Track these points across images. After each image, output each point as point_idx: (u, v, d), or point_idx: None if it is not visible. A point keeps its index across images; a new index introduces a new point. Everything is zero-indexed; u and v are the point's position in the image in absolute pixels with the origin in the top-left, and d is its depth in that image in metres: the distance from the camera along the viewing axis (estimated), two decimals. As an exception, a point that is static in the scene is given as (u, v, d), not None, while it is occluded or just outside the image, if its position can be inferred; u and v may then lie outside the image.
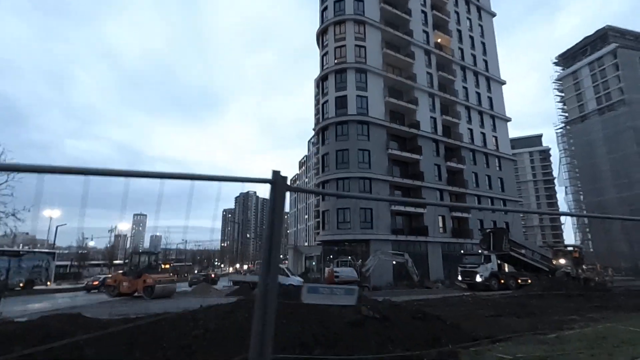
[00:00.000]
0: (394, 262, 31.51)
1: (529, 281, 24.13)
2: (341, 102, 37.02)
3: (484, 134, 46.88)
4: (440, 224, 39.08)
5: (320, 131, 38.56)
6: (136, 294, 21.65)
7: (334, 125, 36.66)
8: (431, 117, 41.91)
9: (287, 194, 2.21)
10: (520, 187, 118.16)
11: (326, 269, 29.79)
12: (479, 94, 48.11)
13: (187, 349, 7.04)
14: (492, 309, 14.36)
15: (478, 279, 24.05)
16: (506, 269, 28.32)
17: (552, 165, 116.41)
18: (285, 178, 1.96)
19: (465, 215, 40.82)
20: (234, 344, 7.36)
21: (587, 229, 72.75)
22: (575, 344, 6.57)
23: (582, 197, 74.65)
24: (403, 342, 7.60)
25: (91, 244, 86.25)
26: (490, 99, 49.49)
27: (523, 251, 25.95)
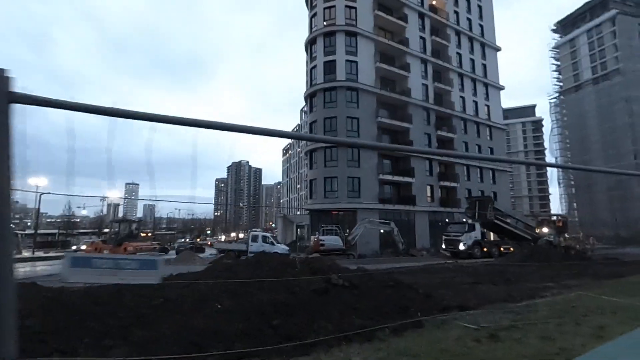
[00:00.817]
0: (382, 231, 31.64)
1: (512, 249, 24.40)
2: (330, 68, 35.64)
3: (476, 103, 46.03)
4: (429, 193, 39.07)
5: (309, 98, 37.38)
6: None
7: (322, 92, 35.50)
8: (423, 84, 40.79)
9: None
10: (511, 157, 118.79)
11: (312, 237, 29.83)
12: (473, 61, 46.77)
13: (143, 318, 6.73)
14: (471, 277, 14.37)
15: (461, 247, 24.23)
16: (491, 238, 28.63)
17: (545, 137, 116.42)
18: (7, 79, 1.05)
19: (453, 184, 40.78)
20: (191, 313, 7.07)
21: (574, 200, 73.86)
22: (544, 313, 6.36)
23: (570, 167, 75.19)
24: (369, 311, 7.36)
25: (83, 212, 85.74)
26: (484, 66, 48.20)
27: (508, 220, 26.06)
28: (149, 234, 33.93)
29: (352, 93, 35.10)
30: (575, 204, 74.10)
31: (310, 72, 37.77)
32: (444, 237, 26.64)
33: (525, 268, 17.84)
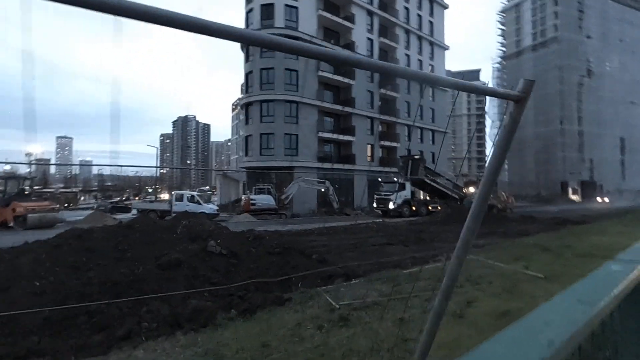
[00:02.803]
0: (321, 190, 30.99)
1: (439, 208, 25.00)
2: (267, 12, 32.44)
3: (420, 61, 45.46)
4: (369, 153, 38.85)
5: (245, 46, 34.11)
6: (11, 225, 18.61)
7: (258, 39, 32.41)
8: (368, 38, 39.01)
9: None
10: (455, 120, 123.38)
11: (243, 197, 28.45)
12: (420, 17, 45.48)
13: None
14: (387, 237, 14.04)
15: (391, 206, 24.32)
16: (421, 197, 29.19)
17: (486, 100, 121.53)
18: None
19: (394, 144, 40.86)
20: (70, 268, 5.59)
21: (505, 162, 78.95)
22: (423, 283, 5.67)
23: (505, 131, 79.42)
24: (238, 285, 6.30)
25: (7, 168, 76.00)
26: (431, 23, 47.21)
27: (438, 180, 26.50)
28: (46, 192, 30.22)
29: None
30: (506, 166, 79.47)
31: (247, 16, 34.24)
32: (375, 196, 26.62)
33: (444, 227, 18.13)
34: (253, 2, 33.15)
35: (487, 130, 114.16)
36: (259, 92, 32.19)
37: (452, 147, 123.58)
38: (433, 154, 46.49)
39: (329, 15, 34.67)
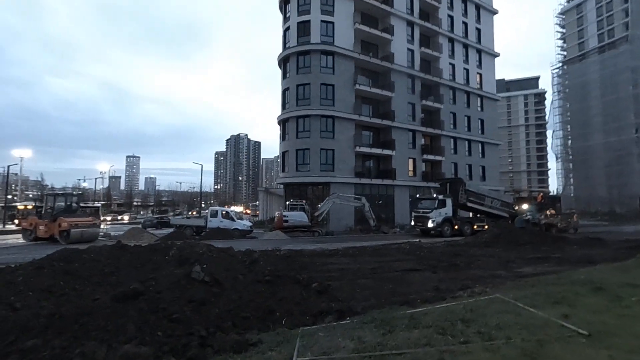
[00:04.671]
0: (357, 207, 29.80)
1: (486, 227, 22.58)
2: (304, 29, 32.62)
3: (467, 70, 42.92)
4: (410, 167, 36.93)
5: (283, 63, 34.54)
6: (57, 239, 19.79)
7: (295, 56, 32.65)
8: (408, 49, 37.66)
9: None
10: (511, 131, 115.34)
11: (276, 213, 28.09)
12: (465, 25, 43.21)
13: None
14: (416, 261, 12.56)
15: (430, 224, 22.38)
16: (470, 214, 26.75)
17: (547, 110, 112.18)
18: None
19: (438, 158, 38.54)
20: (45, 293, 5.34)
21: (571, 174, 71.52)
22: (420, 332, 4.45)
23: (570, 141, 72.37)
24: (211, 319, 5.51)
25: (84, 184, 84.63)
26: (478, 30, 44.64)
27: (483, 201, 24.12)
28: (93, 208, 32.14)
29: (327, 57, 32.25)
30: (572, 180, 71.86)
31: (284, 34, 34.77)
32: (413, 214, 24.81)
33: (488, 249, 16.06)
34: (290, 21, 33.59)
35: (549, 141, 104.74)
36: (295, 108, 32.14)
37: (509, 160, 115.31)
38: (483, 168, 43.22)
39: (366, 28, 34.04)
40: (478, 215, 24.79)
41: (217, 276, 6.80)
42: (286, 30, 34.29)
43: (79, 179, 69.91)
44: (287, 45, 33.88)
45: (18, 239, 21.51)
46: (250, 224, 27.27)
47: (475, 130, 42.93)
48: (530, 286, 6.70)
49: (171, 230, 26.08)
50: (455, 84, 41.14)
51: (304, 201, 27.42)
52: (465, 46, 43.07)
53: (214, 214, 25.36)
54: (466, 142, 41.91)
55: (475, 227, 23.09)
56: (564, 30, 77.04)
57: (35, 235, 20.04)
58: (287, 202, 27.16)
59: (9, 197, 77.48)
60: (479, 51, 44.56)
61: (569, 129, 72.46)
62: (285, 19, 34.50)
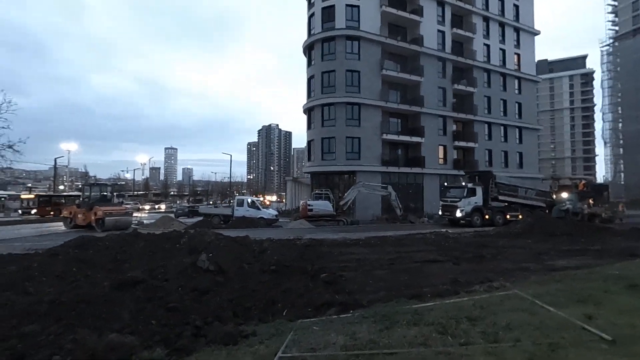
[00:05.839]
0: (384, 195, 29.17)
1: (520, 217, 21.31)
2: (328, 14, 31.88)
3: (503, 51, 40.36)
4: (441, 155, 35.55)
5: (307, 50, 34.10)
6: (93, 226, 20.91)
7: (319, 43, 32.06)
8: (439, 30, 35.89)
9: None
10: (554, 115, 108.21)
11: (300, 202, 28.07)
12: (502, 1, 40.46)
13: None
14: (439, 252, 12.01)
15: (458, 213, 21.41)
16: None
17: (595, 91, 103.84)
18: None
19: (471, 144, 36.80)
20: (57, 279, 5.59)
21: (621, 161, 66.21)
22: (419, 330, 4.12)
23: (620, 125, 66.89)
24: (211, 310, 5.44)
25: (127, 176, 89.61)
26: (516, 7, 41.69)
27: (516, 192, 22.75)
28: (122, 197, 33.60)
29: (352, 43, 31.41)
30: (622, 166, 66.57)
31: (309, 21, 34.19)
32: (441, 203, 23.88)
33: (519, 240, 15.10)
34: (314, 7, 32.94)
35: (597, 125, 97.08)
36: (320, 96, 31.71)
37: (551, 146, 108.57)
38: (520, 155, 40.87)
39: (393, 10, 32.73)
40: (511, 204, 23.44)
41: (223, 265, 6.76)
42: (311, 17, 33.71)
43: (122, 170, 74.79)
44: (311, 32, 33.34)
45: (60, 227, 22.93)
46: (276, 212, 27.48)
47: (511, 115, 40.51)
48: (555, 281, 6.09)
49: (200, 218, 26.80)
50: (490, 66, 38.86)
51: (329, 190, 27.18)
52: (502, 25, 40.43)
53: (240, 203, 25.76)
54: (502, 128, 39.69)
55: (507, 216, 21.86)
56: (615, 3, 70.46)
57: (75, 223, 21.27)
58: (313, 192, 27.01)
59: (61, 187, 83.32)
60: (517, 30, 41.69)
61: (619, 112, 66.91)
62: (310, 4, 33.87)
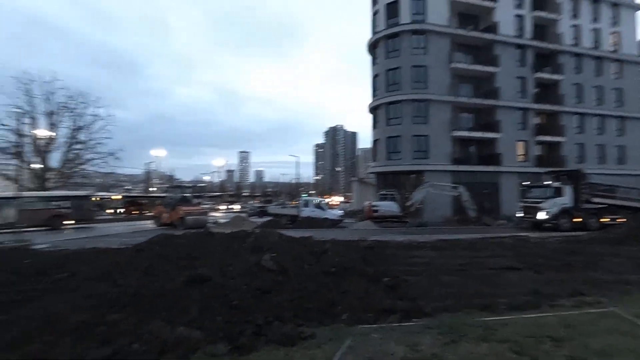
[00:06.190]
0: (455, 196, 27.54)
1: (619, 220, 18.42)
2: (392, 10, 31.07)
3: (597, 31, 35.47)
4: (520, 151, 32.42)
5: (372, 49, 33.63)
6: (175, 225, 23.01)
7: (384, 40, 31.39)
8: (516, 15, 32.81)
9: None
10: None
11: (365, 203, 27.68)
12: (594, -25, 35.62)
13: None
14: (517, 259, 10.88)
15: (540, 216, 19.17)
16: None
17: None
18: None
19: (557, 139, 32.99)
20: (141, 273, 6.41)
21: None
22: (489, 347, 3.71)
23: None
24: (270, 309, 5.56)
25: (206, 178, 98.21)
26: (612, -21, 36.36)
27: (614, 193, 19.70)
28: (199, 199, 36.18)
29: (418, 37, 30.17)
30: None
31: (373, 19, 33.69)
32: (521, 204, 21.66)
33: (617, 248, 13.00)
34: (378, 4, 32.39)
35: None
36: (385, 94, 31.03)
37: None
38: (622, 149, 35.55)
39: (463, -1, 30.77)
40: (609, 206, 20.37)
41: (285, 265, 6.88)
42: (375, 14, 33.17)
43: (202, 173, 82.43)
44: (375, 30, 32.80)
45: (150, 225, 25.66)
46: (341, 213, 27.53)
47: (609, 103, 35.40)
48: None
49: (269, 218, 27.96)
50: (581, 50, 34.42)
51: (395, 190, 26.43)
52: (595, 1, 35.56)
53: (306, 204, 26.30)
54: (596, 119, 34.89)
55: (604, 219, 19.04)
56: None
57: (161, 222, 23.64)
58: (378, 192, 26.51)
59: (152, 189, 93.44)
60: (615, 5, 36.32)
61: None
62: (374, 2, 33.36)
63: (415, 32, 30.08)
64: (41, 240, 15.10)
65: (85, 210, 24.32)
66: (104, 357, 4.08)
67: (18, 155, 27.38)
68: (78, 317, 4.97)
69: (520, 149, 32.32)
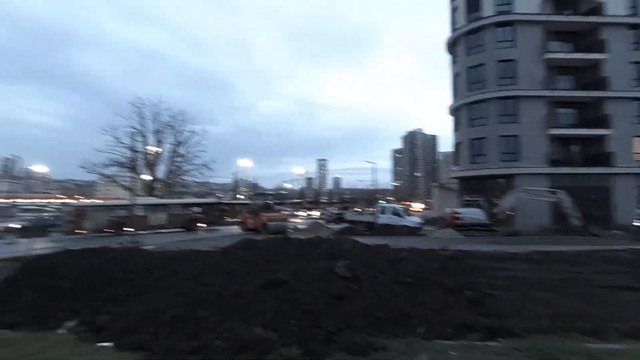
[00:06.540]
0: (553, 201, 24.44)
1: None
2: (473, 4, 29.12)
3: None
4: (639, 149, 27.49)
5: (451, 47, 31.94)
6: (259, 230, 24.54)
7: (464, 37, 29.56)
8: (630, -11, 28.18)
9: None
10: None
11: (446, 210, 26.07)
12: None
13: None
14: (634, 275, 9.22)
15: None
16: None
17: None
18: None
19: (691, 132, 27.22)
20: (226, 275, 7.15)
21: None
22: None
23: None
24: (343, 316, 5.57)
25: (287, 185, 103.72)
26: None
27: None
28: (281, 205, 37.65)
29: (504, 30, 27.75)
30: None
31: (452, 15, 32.03)
32: (638, 211, 18.25)
33: None
34: (457, 0, 30.73)
35: None
36: (467, 94, 29.10)
37: None
38: None
39: (558, -20, 27.52)
40: None
41: (357, 273, 6.85)
42: (454, 11, 31.51)
43: (283, 181, 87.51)
44: (454, 27, 31.11)
45: (237, 230, 27.76)
46: (420, 220, 26.41)
47: None
48: None
49: (346, 225, 28.07)
50: None
51: (480, 197, 24.48)
52: None
53: (383, 211, 25.83)
54: None
55: None
56: None
57: (247, 227, 25.41)
58: (461, 199, 24.84)
59: (239, 196, 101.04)
60: None
61: None
62: (452, -1, 31.78)
63: (500, 24, 27.74)
64: (166, 241, 17.40)
65: (214, 215, 27.91)
66: (191, 350, 4.53)
67: (133, 168, 32.16)
68: (173, 312, 5.60)
69: (637, 146, 27.39)
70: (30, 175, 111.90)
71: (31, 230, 24.18)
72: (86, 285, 7.33)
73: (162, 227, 25.11)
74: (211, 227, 27.19)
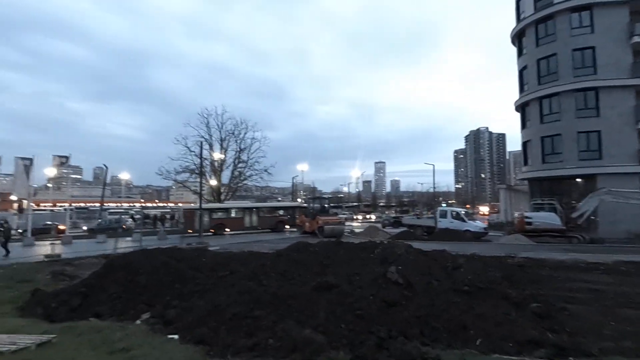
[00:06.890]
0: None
1: None
2: (544, -11, 26.81)
3: None
4: None
5: (517, 39, 29.69)
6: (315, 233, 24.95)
7: (532, 26, 27.28)
8: None
9: None
10: None
11: (515, 214, 24.10)
12: None
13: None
14: None
15: None
16: None
17: None
18: None
19: None
20: (279, 276, 7.49)
21: None
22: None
23: None
24: (397, 323, 5.48)
25: (344, 189, 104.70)
26: None
27: None
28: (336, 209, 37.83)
29: (580, 15, 25.08)
30: None
31: (517, 5, 29.75)
32: None
33: None
34: (525, -15, 28.51)
35: None
36: (536, 87, 26.79)
37: None
38: None
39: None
40: None
41: (411, 279, 6.68)
42: (519, 1, 29.28)
43: (341, 185, 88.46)
44: (521, 17, 28.87)
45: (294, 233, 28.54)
46: (485, 225, 24.81)
47: None
48: None
49: (404, 229, 27.40)
50: None
51: (554, 199, 22.29)
52: None
53: (444, 214, 24.75)
54: None
55: None
56: None
57: (304, 230, 25.97)
58: (532, 201, 22.85)
59: (298, 200, 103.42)
60: None
61: None
62: (519, -16, 29.52)
63: (575, 9, 25.15)
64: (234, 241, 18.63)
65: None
66: (248, 347, 4.79)
67: (201, 174, 34.70)
68: (233, 309, 5.97)
69: None
70: (116, 182, 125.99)
71: (96, 232, 27.68)
72: (159, 282, 8.08)
73: (255, 228, 28.61)
74: (293, 229, 29.16)
